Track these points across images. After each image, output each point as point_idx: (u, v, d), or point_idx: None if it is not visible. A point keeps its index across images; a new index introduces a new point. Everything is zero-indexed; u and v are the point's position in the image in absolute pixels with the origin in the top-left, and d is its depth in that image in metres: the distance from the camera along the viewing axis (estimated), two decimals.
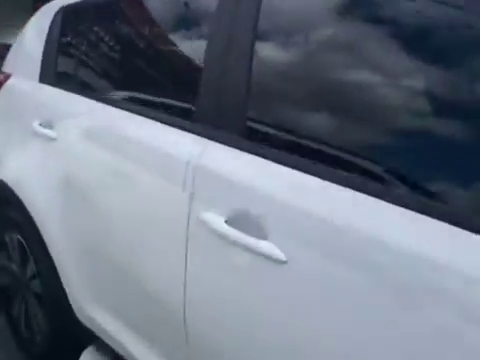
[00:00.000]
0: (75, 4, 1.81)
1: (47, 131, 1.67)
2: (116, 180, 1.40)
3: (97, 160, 1.48)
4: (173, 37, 1.39)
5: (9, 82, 2.09)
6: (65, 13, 1.85)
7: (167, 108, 1.34)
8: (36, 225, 1.80)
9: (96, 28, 1.70)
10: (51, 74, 1.84)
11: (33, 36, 2.07)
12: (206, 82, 1.17)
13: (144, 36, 1.52)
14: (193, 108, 1.21)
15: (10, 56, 2.31)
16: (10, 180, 1.94)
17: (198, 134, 1.16)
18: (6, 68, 2.26)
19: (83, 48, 1.73)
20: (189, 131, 1.19)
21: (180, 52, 1.34)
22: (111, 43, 1.65)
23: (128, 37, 1.60)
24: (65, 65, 1.84)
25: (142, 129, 1.34)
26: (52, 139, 1.65)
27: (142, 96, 1.46)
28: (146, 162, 1.29)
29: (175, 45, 1.37)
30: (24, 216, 1.87)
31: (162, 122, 1.28)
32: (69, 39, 1.84)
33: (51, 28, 1.89)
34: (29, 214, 1.83)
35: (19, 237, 1.97)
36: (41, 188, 1.78)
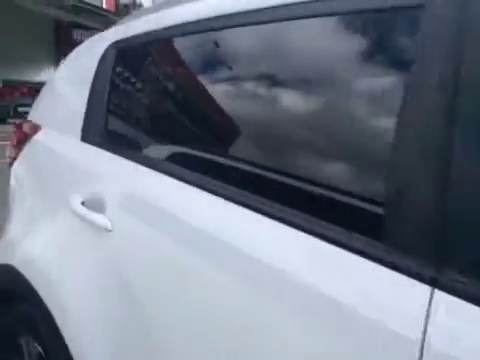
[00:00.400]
0: (135, 37, 1.33)
1: (98, 218, 1.15)
2: (221, 317, 0.85)
3: (187, 276, 0.95)
4: (321, 87, 0.86)
5: (38, 137, 1.60)
6: (120, 50, 1.36)
7: (315, 207, 0.78)
8: (64, 340, 1.29)
9: (168, 70, 1.21)
10: (99, 131, 1.33)
11: (72, 79, 1.59)
12: (422, 172, 0.64)
13: (246, 82, 1.02)
14: (386, 217, 0.67)
15: (39, 102, 1.84)
16: (25, 269, 1.45)
17: (411, 274, 0.62)
18: (34, 116, 1.78)
19: (148, 97, 1.24)
20: (385, 264, 0.64)
21: (335, 113, 0.81)
22: (192, 92, 1.15)
23: (218, 84, 1.10)
24: (120, 120, 1.34)
25: (267, 240, 0.80)
26: (104, 230, 1.14)
27: (256, 177, 0.93)
28: (288, 305, 0.74)
29: (332, 101, 0.83)
30: (46, 321, 1.37)
31: (307, 231, 0.75)
32: (126, 85, 1.35)
33: (100, 69, 1.40)
34: (53, 321, 1.33)
35: (37, 346, 1.46)
36: (76, 291, 1.27)
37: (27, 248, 1.51)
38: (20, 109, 17.42)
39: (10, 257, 1.63)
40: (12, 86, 17.81)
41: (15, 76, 17.99)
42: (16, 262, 1.53)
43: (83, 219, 1.21)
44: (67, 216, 1.32)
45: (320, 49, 0.85)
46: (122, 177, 1.19)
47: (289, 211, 0.79)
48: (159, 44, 1.22)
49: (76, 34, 20.95)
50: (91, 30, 20.64)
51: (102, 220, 1.12)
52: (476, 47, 0.62)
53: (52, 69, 21.16)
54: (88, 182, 1.27)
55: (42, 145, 1.56)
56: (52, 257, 1.37)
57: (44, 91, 1.80)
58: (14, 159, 1.77)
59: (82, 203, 1.23)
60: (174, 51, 1.18)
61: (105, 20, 19.65)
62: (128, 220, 1.12)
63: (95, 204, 1.19)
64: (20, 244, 1.56)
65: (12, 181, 1.79)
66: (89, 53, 1.54)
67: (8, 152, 1.86)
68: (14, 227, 1.67)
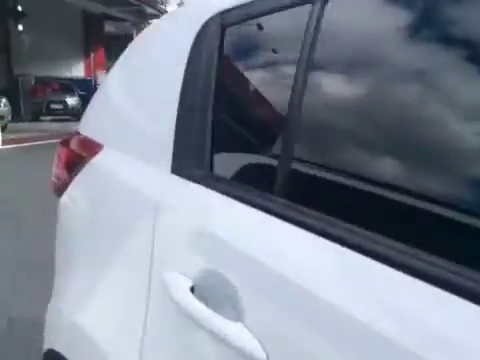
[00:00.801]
0: (250, 8, 0.80)
1: (235, 337, 0.61)
2: None
3: None
4: None
5: (100, 161, 1.10)
6: (234, 25, 0.83)
7: None
8: None
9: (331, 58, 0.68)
10: (203, 161, 0.82)
11: (145, 80, 1.08)
12: None
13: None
14: None
15: (93, 111, 1.34)
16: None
17: None
18: (87, 130, 1.29)
19: (290, 105, 0.71)
20: None
21: None
22: (357, 97, 0.61)
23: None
24: (238, 142, 0.83)
25: None
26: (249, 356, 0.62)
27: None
28: None
29: None
30: None
31: None
32: (247, 83, 0.82)
33: (192, 62, 0.89)
34: None
35: None
36: None
37: (85, 334, 1.02)
38: (52, 106, 17.26)
39: (56, 339, 1.15)
40: (44, 83, 17.64)
41: (46, 72, 17.79)
42: (66, 351, 1.07)
43: (196, 321, 0.70)
44: (158, 300, 0.82)
45: None
46: (254, 243, 0.66)
47: None
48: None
49: (108, 26, 20.36)
50: (123, 21, 20.00)
51: (249, 346, 0.60)
52: None
53: (82, 64, 20.87)
54: (196, 248, 0.76)
55: (108, 175, 1.06)
56: None
57: (100, 94, 1.31)
58: (63, 185, 1.28)
59: (191, 290, 0.72)
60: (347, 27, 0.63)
61: (138, 11, 18.87)
62: (284, 335, 0.61)
63: (217, 298, 0.68)
64: (73, 325, 1.08)
65: (62, 219, 1.31)
66: (171, 35, 1.03)
67: (54, 170, 1.36)
68: (64, 293, 1.18)
